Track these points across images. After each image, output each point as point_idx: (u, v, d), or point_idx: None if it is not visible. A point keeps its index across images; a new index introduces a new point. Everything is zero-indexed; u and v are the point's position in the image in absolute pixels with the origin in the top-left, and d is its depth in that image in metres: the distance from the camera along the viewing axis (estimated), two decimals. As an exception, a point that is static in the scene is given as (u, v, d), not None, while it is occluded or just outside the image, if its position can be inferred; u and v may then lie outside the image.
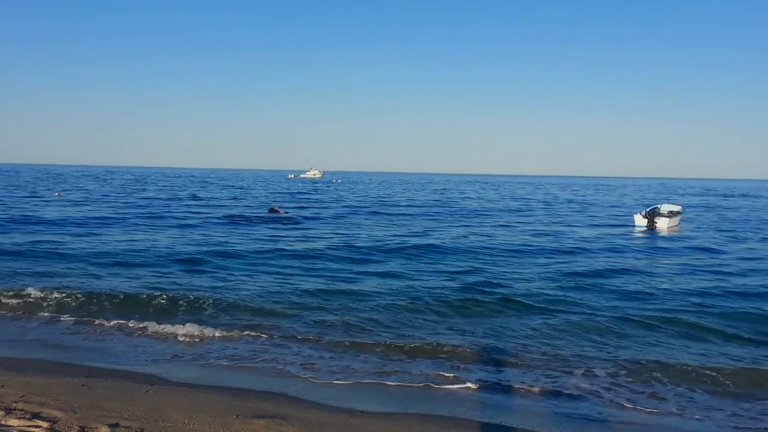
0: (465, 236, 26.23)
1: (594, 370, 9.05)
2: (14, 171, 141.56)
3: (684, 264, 19.58)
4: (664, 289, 15.27)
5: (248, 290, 14.01)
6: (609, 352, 10.01)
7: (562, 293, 14.39)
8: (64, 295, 12.79)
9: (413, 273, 16.78)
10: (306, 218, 34.01)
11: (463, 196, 70.14)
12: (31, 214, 31.70)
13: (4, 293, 12.84)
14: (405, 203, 51.96)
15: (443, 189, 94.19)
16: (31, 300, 12.51)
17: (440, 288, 14.64)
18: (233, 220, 31.51)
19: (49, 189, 59.32)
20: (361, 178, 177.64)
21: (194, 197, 53.09)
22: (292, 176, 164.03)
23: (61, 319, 11.41)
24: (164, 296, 12.86)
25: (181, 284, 14.52)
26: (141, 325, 11.00)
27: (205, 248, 20.36)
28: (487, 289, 14.59)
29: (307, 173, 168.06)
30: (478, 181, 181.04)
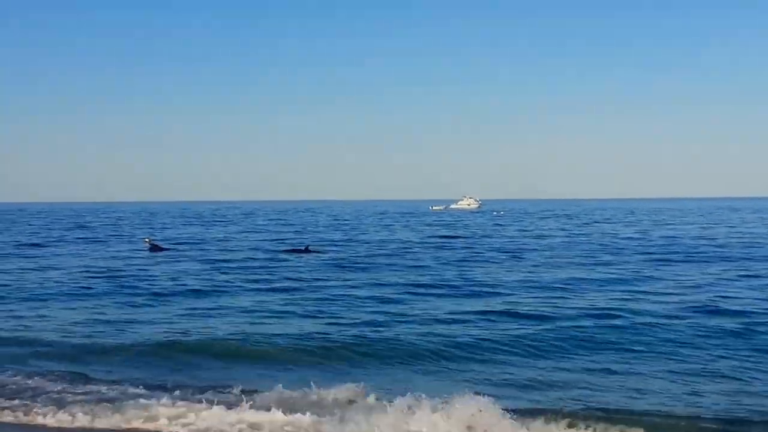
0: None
1: None
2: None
3: None
4: None
5: None
6: None
7: None
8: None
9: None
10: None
11: (664, 230, 58.09)
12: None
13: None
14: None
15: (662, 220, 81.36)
16: None
17: None
18: None
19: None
20: (526, 208, 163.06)
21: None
22: (438, 208, 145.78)
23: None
24: None
25: None
26: None
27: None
28: None
29: (461, 203, 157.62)
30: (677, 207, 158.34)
